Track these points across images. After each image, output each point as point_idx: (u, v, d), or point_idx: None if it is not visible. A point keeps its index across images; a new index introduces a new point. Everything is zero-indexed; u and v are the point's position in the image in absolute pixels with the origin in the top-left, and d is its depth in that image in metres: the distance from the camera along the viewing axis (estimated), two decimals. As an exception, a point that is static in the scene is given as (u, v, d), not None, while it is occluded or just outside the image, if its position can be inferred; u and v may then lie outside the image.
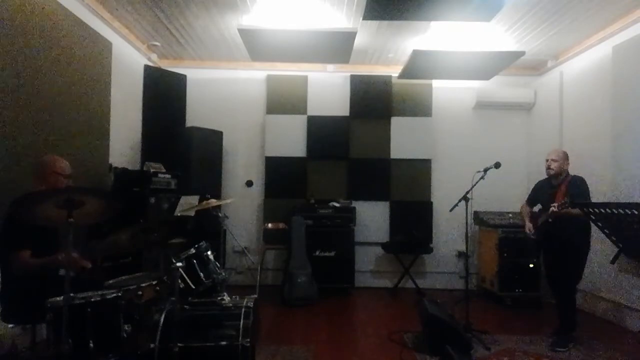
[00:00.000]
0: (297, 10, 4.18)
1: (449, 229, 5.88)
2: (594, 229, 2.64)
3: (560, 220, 3.54)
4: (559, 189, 3.68)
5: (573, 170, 3.80)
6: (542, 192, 3.92)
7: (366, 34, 4.79)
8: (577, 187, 3.59)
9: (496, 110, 6.09)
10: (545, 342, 3.69)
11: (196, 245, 3.03)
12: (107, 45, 4.48)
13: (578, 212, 3.21)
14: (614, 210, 2.31)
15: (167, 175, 4.66)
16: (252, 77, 6.03)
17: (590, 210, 2.49)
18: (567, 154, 3.79)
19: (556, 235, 3.63)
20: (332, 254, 5.45)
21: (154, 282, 2.53)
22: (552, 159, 3.74)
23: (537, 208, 4.01)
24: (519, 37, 4.78)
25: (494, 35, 4.74)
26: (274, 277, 5.85)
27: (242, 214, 5.96)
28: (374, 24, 4.53)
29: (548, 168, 3.76)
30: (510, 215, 5.42)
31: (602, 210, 2.40)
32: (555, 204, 3.43)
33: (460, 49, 4.72)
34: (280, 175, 5.92)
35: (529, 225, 3.87)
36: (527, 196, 4.17)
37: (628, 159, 4.19)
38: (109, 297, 2.24)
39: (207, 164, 5.49)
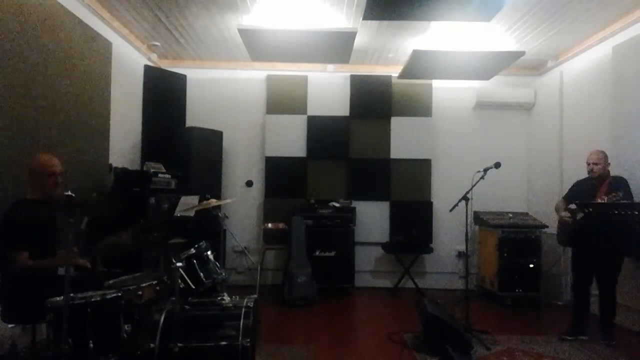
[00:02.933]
0: (297, 10, 4.18)
1: (449, 229, 5.87)
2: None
3: (603, 216, 3.53)
4: (601, 188, 3.71)
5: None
6: (582, 191, 3.93)
7: (366, 34, 4.79)
8: (621, 188, 3.58)
9: (496, 110, 6.09)
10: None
11: (196, 245, 3.03)
12: (107, 45, 4.48)
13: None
14: (614, 210, 2.32)
15: (167, 175, 4.65)
16: (252, 77, 6.03)
17: (591, 210, 2.49)
18: (606, 155, 3.81)
19: (600, 231, 3.62)
20: (332, 254, 5.45)
21: (154, 282, 2.54)
22: (593, 162, 3.78)
23: (572, 205, 4.02)
24: (519, 37, 4.78)
25: (494, 35, 4.74)
26: (274, 277, 5.85)
27: (242, 214, 5.96)
28: (374, 24, 4.53)
29: (591, 172, 3.80)
30: (510, 215, 5.42)
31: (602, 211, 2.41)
32: (605, 197, 3.47)
33: (460, 49, 4.72)
34: (280, 175, 5.92)
35: (565, 214, 3.89)
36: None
37: (628, 159, 4.19)
38: (109, 297, 2.25)
39: (207, 164, 5.49)
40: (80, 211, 2.38)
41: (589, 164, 3.83)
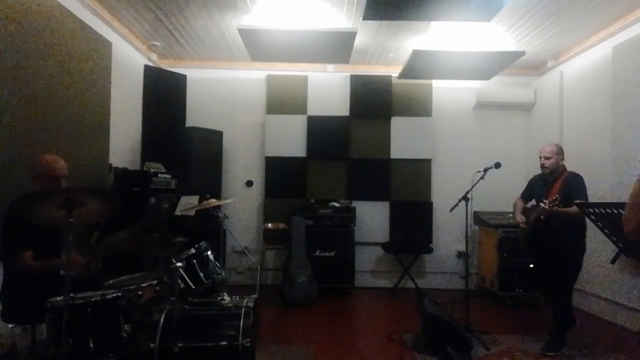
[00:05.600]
0: (297, 10, 4.18)
1: (449, 229, 5.88)
2: (593, 229, 2.63)
3: (554, 219, 3.39)
4: (554, 186, 3.51)
5: (573, 169, 3.74)
6: (536, 188, 3.76)
7: (366, 34, 4.79)
8: (574, 186, 3.42)
9: (496, 110, 6.09)
10: (540, 344, 3.61)
11: (196, 245, 3.03)
12: (107, 45, 4.48)
13: (574, 210, 3.13)
14: (614, 210, 2.31)
15: (167, 175, 4.65)
16: (252, 77, 6.03)
17: (590, 210, 2.49)
18: (561, 148, 3.60)
19: (550, 235, 3.48)
20: (332, 254, 5.45)
21: (154, 282, 2.54)
22: (545, 156, 3.55)
23: (531, 204, 3.90)
24: (519, 37, 4.78)
25: (494, 35, 4.73)
26: (274, 277, 5.85)
27: (242, 214, 5.96)
28: (374, 24, 4.53)
29: (542, 166, 3.60)
30: (511, 215, 5.38)
31: (602, 210, 2.40)
32: (546, 201, 3.32)
33: (460, 49, 4.72)
34: (280, 175, 5.92)
35: (520, 217, 3.72)
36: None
37: (628, 159, 4.18)
38: (109, 297, 2.25)
39: (207, 164, 5.49)
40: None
41: (540, 158, 3.58)
